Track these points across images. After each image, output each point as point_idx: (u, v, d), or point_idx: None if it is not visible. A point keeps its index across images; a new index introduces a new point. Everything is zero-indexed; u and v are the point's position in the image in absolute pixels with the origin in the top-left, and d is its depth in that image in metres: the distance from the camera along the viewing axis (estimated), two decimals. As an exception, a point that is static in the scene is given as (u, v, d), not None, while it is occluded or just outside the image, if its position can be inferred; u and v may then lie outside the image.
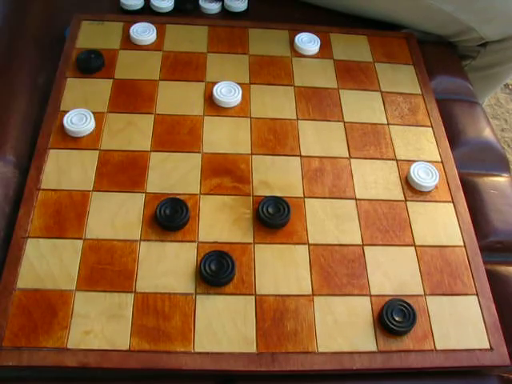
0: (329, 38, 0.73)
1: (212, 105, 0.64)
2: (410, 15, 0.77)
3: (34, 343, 0.45)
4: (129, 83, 0.65)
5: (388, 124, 0.65)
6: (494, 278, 0.54)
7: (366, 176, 0.59)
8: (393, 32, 0.77)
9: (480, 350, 0.49)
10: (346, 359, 0.47)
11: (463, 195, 0.59)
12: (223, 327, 0.48)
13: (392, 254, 0.54)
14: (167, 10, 0.75)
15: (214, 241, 0.53)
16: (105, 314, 0.47)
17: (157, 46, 0.69)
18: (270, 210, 0.54)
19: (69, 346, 0.46)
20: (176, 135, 0.60)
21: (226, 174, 0.58)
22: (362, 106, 0.66)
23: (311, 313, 0.49)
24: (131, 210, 0.54)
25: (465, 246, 0.55)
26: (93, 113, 0.60)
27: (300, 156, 0.60)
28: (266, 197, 0.55)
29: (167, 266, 0.51)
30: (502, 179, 0.64)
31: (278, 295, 0.50)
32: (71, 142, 0.58)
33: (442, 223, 0.57)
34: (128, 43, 0.69)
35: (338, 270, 0.52)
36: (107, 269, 0.50)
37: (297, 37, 0.71)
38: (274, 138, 0.61)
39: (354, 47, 0.73)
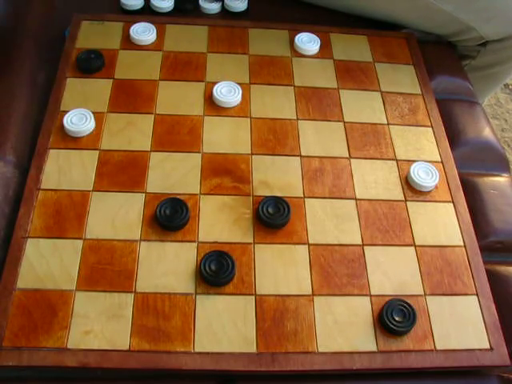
0: (329, 38, 0.73)
1: (212, 105, 0.64)
2: (410, 15, 0.77)
3: (34, 343, 0.45)
4: (129, 83, 0.65)
5: (388, 124, 0.65)
6: (493, 278, 0.54)
7: (366, 176, 0.59)
8: (393, 32, 0.77)
9: (480, 349, 0.49)
10: (346, 359, 0.47)
11: (463, 195, 0.59)
12: (223, 327, 0.48)
13: (392, 253, 0.54)
14: (167, 10, 0.75)
15: (213, 241, 0.53)
16: (105, 314, 0.47)
17: (157, 46, 0.69)
18: (270, 210, 0.54)
19: (69, 346, 0.46)
20: (176, 135, 0.60)
21: (226, 173, 0.58)
22: (362, 106, 0.66)
23: (311, 313, 0.49)
24: (131, 210, 0.54)
25: (465, 246, 0.55)
26: (93, 113, 0.60)
27: (300, 156, 0.60)
28: (265, 197, 0.55)
29: (167, 266, 0.51)
30: (501, 179, 0.64)
31: (278, 295, 0.50)
32: (71, 141, 0.58)
33: (442, 223, 0.57)
34: (128, 43, 0.69)
35: (337, 270, 0.52)
36: (107, 269, 0.50)
37: (297, 37, 0.71)
38: (274, 138, 0.61)
39: (354, 47, 0.73)
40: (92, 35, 0.69)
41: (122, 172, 0.57)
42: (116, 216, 0.53)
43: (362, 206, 0.57)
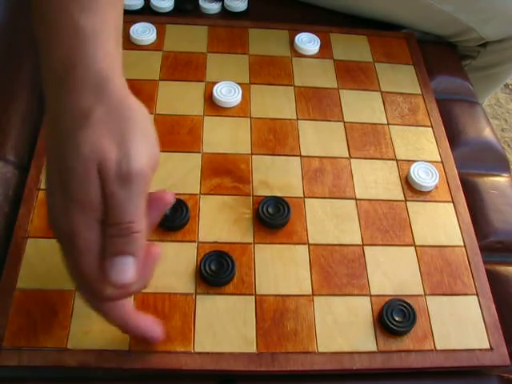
0: (329, 38, 0.73)
1: (212, 105, 0.63)
2: (410, 15, 0.77)
3: (34, 343, 0.45)
4: (129, 83, 0.64)
5: (388, 124, 0.65)
6: (493, 278, 0.54)
7: (366, 176, 0.59)
8: (393, 32, 0.77)
9: (480, 350, 0.49)
10: (346, 359, 0.47)
11: (463, 195, 0.59)
12: (223, 327, 0.48)
13: (392, 253, 0.54)
14: (167, 10, 0.75)
15: (214, 241, 0.53)
16: (105, 314, 0.47)
17: (157, 46, 0.69)
18: (270, 210, 0.54)
19: (69, 346, 0.46)
20: (176, 135, 0.60)
21: (226, 173, 0.58)
22: (362, 106, 0.66)
23: (311, 313, 0.49)
24: (131, 209, 0.54)
25: (465, 246, 0.55)
26: (93, 113, 0.60)
27: (300, 156, 0.60)
28: (265, 197, 0.55)
29: (167, 266, 0.51)
30: (502, 179, 0.64)
31: (278, 295, 0.50)
32: (71, 141, 0.58)
33: (442, 223, 0.57)
34: (128, 43, 0.69)
35: (338, 270, 0.52)
36: (107, 269, 0.50)
37: (297, 37, 0.71)
38: (274, 138, 0.61)
39: (354, 47, 0.73)
40: (92, 35, 0.69)
41: (122, 172, 0.56)
42: (116, 216, 0.53)
43: (361, 205, 0.57)
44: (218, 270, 0.50)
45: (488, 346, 0.49)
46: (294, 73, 0.68)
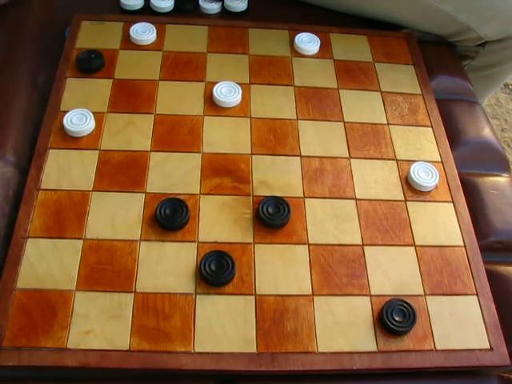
0: (329, 38, 0.73)
1: (212, 105, 0.64)
2: (410, 15, 0.77)
3: (34, 343, 0.45)
4: (129, 83, 0.65)
5: (388, 124, 0.65)
6: (493, 278, 0.54)
7: (366, 176, 0.59)
8: (393, 32, 0.77)
9: (480, 350, 0.49)
10: (346, 359, 0.47)
11: (463, 195, 0.59)
12: (223, 327, 0.48)
13: (392, 253, 0.54)
14: (167, 10, 0.75)
15: (214, 241, 0.53)
16: (105, 314, 0.48)
17: (157, 46, 0.69)
18: (270, 210, 0.54)
19: (69, 346, 0.46)
20: (176, 135, 0.60)
21: (226, 173, 0.58)
22: (362, 106, 0.66)
23: (311, 313, 0.49)
24: (131, 210, 0.54)
25: (465, 246, 0.55)
26: (93, 113, 0.60)
27: (300, 156, 0.60)
28: (265, 197, 0.55)
29: (167, 266, 0.51)
30: (502, 179, 0.64)
31: (278, 295, 0.50)
32: (71, 141, 0.58)
33: (441, 223, 0.57)
34: (128, 43, 0.69)
35: (337, 270, 0.52)
36: (107, 269, 0.50)
37: (297, 37, 0.71)
38: (274, 138, 0.61)
39: (354, 47, 0.73)
40: (92, 35, 0.69)
41: (122, 172, 0.57)
42: (116, 216, 0.53)
43: (362, 206, 0.57)
44: (218, 270, 0.50)
45: (488, 346, 0.49)
46: (294, 73, 0.68)
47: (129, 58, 0.67)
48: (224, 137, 0.61)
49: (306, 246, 0.53)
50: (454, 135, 0.66)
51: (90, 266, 0.50)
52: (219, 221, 0.54)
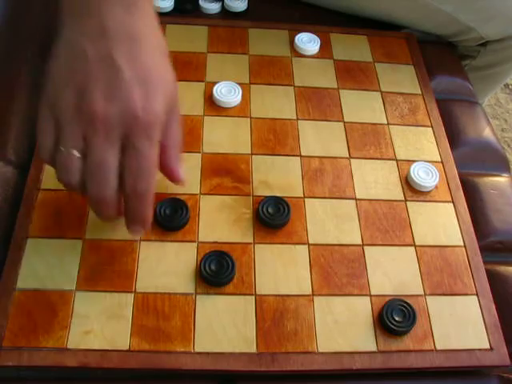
0: (329, 38, 0.73)
1: (212, 105, 0.63)
2: (410, 15, 0.77)
3: (34, 343, 0.45)
4: (129, 83, 0.65)
5: (388, 124, 0.65)
6: (493, 278, 0.54)
7: (366, 176, 0.59)
8: (393, 32, 0.77)
9: (480, 350, 0.49)
10: (345, 359, 0.47)
11: (463, 195, 0.59)
12: (223, 327, 0.48)
13: (392, 254, 0.54)
14: (167, 10, 0.75)
15: (214, 241, 0.53)
16: (105, 314, 0.47)
17: (157, 46, 0.69)
18: (270, 210, 0.54)
19: (69, 346, 0.46)
20: (176, 135, 0.60)
21: (226, 173, 0.58)
22: (362, 106, 0.66)
23: (311, 313, 0.49)
24: (131, 210, 0.54)
25: (465, 246, 0.55)
26: (93, 113, 0.60)
27: (300, 156, 0.60)
28: (265, 197, 0.55)
29: (167, 266, 0.51)
30: (502, 179, 0.64)
31: (278, 295, 0.50)
32: (71, 142, 0.58)
33: (441, 223, 0.57)
34: (128, 43, 0.69)
35: (337, 270, 0.52)
36: (107, 269, 0.50)
37: (297, 37, 0.71)
38: (274, 138, 0.61)
39: (354, 47, 0.73)
40: (92, 35, 0.69)
41: (122, 172, 0.56)
42: (116, 216, 0.53)
43: (362, 206, 0.57)
44: (217, 270, 0.50)
45: (488, 346, 0.49)
46: (294, 73, 0.68)
47: (129, 57, 0.67)
48: (224, 137, 0.61)
49: (306, 246, 0.53)
50: (453, 135, 0.66)
51: (90, 265, 0.50)
52: (219, 221, 0.54)
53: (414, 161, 0.61)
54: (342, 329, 0.49)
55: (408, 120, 0.65)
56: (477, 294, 0.52)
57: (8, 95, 0.62)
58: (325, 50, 0.72)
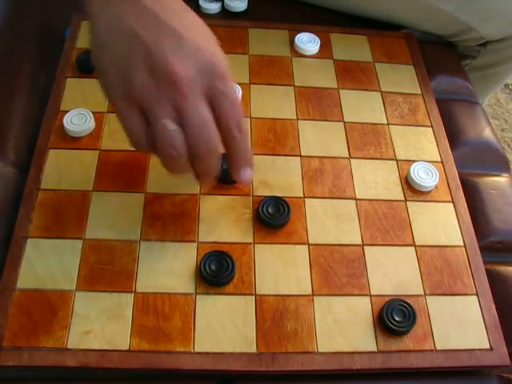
0: (329, 38, 0.73)
1: (212, 105, 0.63)
2: (410, 15, 0.77)
3: (34, 343, 0.45)
4: (129, 83, 0.65)
5: (388, 124, 0.65)
6: (493, 278, 0.54)
7: (366, 176, 0.59)
8: (393, 32, 0.77)
9: (480, 350, 0.49)
10: (345, 359, 0.47)
11: (463, 195, 0.59)
12: (223, 327, 0.48)
13: (392, 253, 0.54)
14: (167, 10, 0.75)
15: (213, 241, 0.53)
16: (105, 314, 0.47)
17: (157, 46, 0.69)
18: (270, 210, 0.54)
19: (69, 346, 0.46)
20: (176, 135, 0.60)
21: (226, 173, 0.58)
22: (362, 106, 0.66)
23: (311, 313, 0.49)
24: (131, 210, 0.54)
25: (465, 246, 0.55)
26: (93, 113, 0.60)
27: (300, 156, 0.60)
28: (265, 197, 0.55)
29: (167, 266, 0.51)
30: (502, 179, 0.64)
31: (278, 295, 0.50)
32: (71, 141, 0.58)
33: (441, 223, 0.57)
34: (128, 43, 0.69)
35: (337, 270, 0.52)
36: (107, 269, 0.50)
37: (297, 37, 0.71)
38: (274, 138, 0.61)
39: (354, 47, 0.73)
40: (92, 35, 0.69)
41: (122, 172, 0.56)
42: (116, 216, 0.53)
43: (362, 206, 0.57)
44: (217, 270, 0.50)
45: (488, 346, 0.49)
46: (294, 73, 0.68)
47: (129, 57, 0.67)
48: (224, 137, 0.61)
49: (306, 246, 0.53)
50: (453, 135, 0.66)
51: (90, 266, 0.50)
52: (219, 221, 0.54)
53: (413, 161, 0.61)
54: (342, 329, 0.49)
55: (408, 120, 0.65)
56: (477, 294, 0.52)
57: (8, 95, 0.62)
58: (325, 50, 0.72)
